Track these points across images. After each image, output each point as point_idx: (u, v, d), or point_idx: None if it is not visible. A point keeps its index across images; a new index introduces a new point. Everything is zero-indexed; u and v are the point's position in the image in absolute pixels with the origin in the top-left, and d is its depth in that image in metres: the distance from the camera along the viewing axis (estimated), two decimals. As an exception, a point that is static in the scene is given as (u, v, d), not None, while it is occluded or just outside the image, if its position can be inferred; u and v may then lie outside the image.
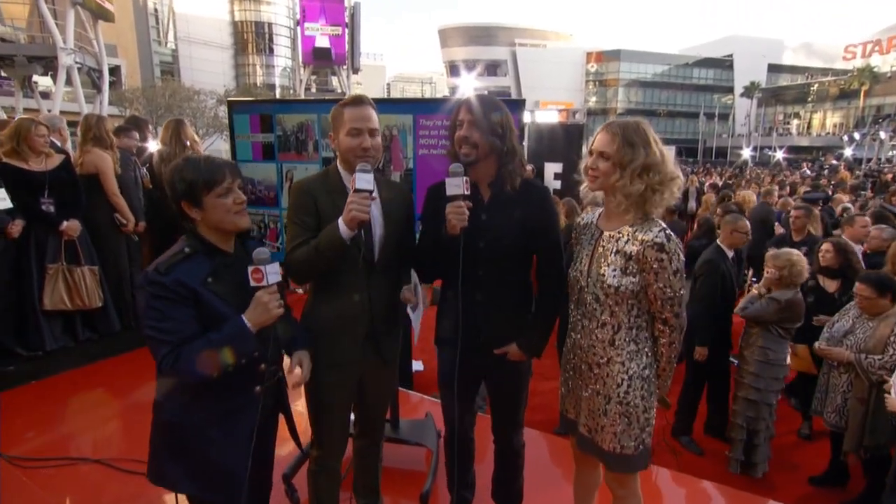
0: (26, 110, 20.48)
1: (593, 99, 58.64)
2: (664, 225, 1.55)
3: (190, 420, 1.43)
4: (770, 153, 41.37)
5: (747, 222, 3.64)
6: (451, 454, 2.10)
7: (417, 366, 4.31)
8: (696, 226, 5.24)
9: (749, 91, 52.18)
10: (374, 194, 1.60)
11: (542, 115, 9.00)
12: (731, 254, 3.49)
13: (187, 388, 1.40)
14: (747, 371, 3.18)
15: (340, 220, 1.57)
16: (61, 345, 3.60)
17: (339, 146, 1.70)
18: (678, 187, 1.56)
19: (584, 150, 1.85)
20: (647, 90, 58.46)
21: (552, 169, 10.15)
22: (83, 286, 3.59)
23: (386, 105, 2.22)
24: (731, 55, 57.36)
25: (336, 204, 1.66)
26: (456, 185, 1.64)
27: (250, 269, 1.37)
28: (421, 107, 2.17)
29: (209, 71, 41.50)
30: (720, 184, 13.30)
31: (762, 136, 49.62)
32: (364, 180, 1.56)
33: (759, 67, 55.60)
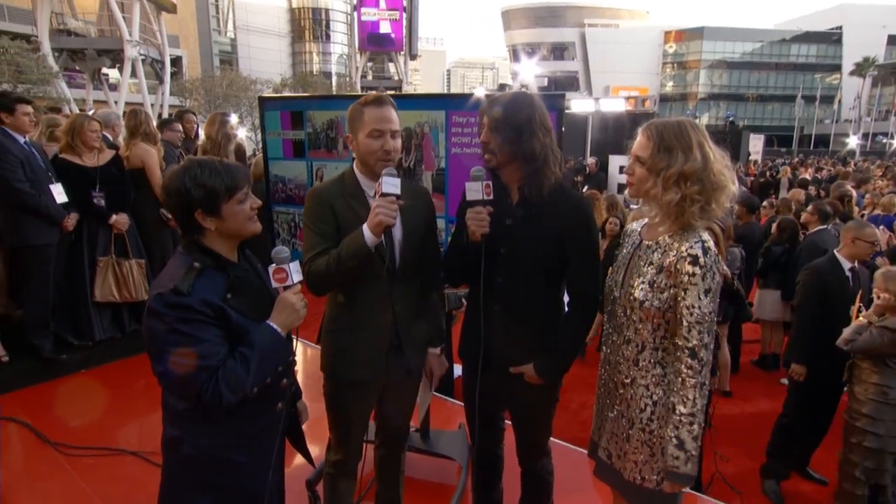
0: (96, 102, 22.41)
1: (670, 83, 55.95)
2: (706, 237, 1.46)
3: (216, 450, 1.39)
4: (886, 141, 37.77)
5: (875, 230, 3.22)
6: (475, 470, 2.10)
7: (460, 371, 4.31)
8: (775, 228, 4.86)
9: (862, 68, 47.50)
10: (401, 199, 1.61)
11: (608, 103, 8.69)
12: (848, 265, 3.12)
13: (210, 417, 1.35)
14: (860, 412, 2.75)
15: (365, 227, 1.58)
16: (109, 336, 3.91)
17: (359, 148, 1.69)
18: (727, 196, 1.46)
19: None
20: (733, 72, 54.94)
21: (617, 162, 9.86)
22: (131, 279, 3.88)
23: (417, 101, 2.23)
24: (839, 27, 52.60)
25: (354, 210, 1.68)
26: (475, 191, 1.63)
27: (272, 268, 1.36)
28: (453, 102, 2.16)
29: (267, 60, 43.51)
30: (809, 178, 12.36)
31: (876, 122, 45.25)
32: (391, 184, 1.58)
33: (875, 40, 50.24)
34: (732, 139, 24.65)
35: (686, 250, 1.42)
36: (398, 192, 1.59)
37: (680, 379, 1.44)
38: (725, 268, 2.49)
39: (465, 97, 2.13)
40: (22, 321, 3.66)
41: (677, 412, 1.44)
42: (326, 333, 1.84)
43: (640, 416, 1.53)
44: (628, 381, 1.57)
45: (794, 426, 3.27)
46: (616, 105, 8.96)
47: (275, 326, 1.36)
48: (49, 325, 3.67)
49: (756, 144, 27.62)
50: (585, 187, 9.20)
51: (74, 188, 3.63)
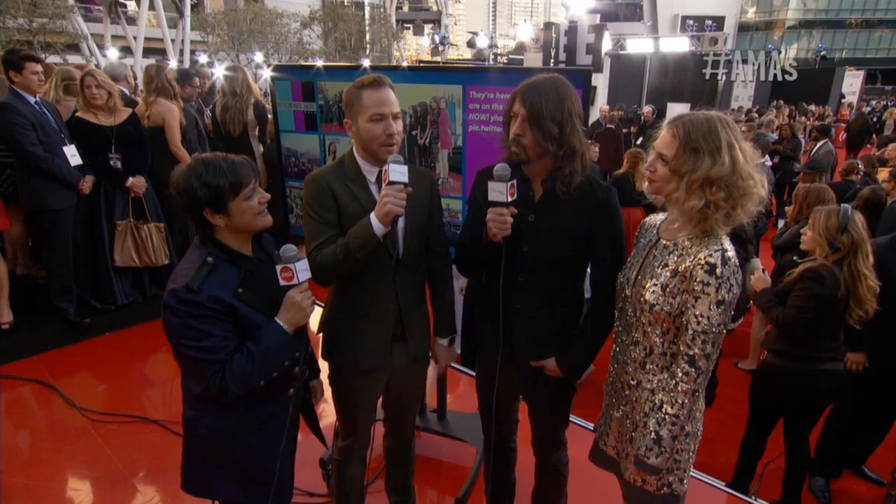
0: (114, 38, 22.80)
1: (752, 10, 51.72)
2: (727, 245, 1.48)
3: (229, 431, 1.59)
4: None
5: None
6: (487, 463, 2.25)
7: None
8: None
9: None
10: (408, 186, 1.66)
11: (670, 42, 8.28)
12: None
13: (222, 402, 1.54)
14: None
15: (373, 216, 1.65)
16: (131, 300, 4.23)
17: (360, 134, 1.74)
18: (755, 202, 1.47)
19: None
20: (834, -8, 50.25)
21: (677, 110, 9.45)
22: (150, 243, 4.12)
23: (432, 74, 2.25)
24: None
25: (356, 197, 1.76)
26: (499, 192, 1.62)
27: (279, 267, 1.48)
28: (471, 77, 2.16)
29: (294, -12, 42.70)
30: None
31: None
32: (398, 172, 1.63)
33: None
34: (822, 78, 22.94)
35: (704, 257, 1.45)
36: (406, 180, 1.63)
37: (674, 381, 1.52)
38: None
39: (483, 72, 2.13)
40: (46, 282, 3.99)
41: (663, 410, 1.54)
42: (329, 322, 1.95)
43: (643, 420, 1.62)
44: (634, 382, 1.65)
45: (846, 420, 3.22)
46: (679, 44, 8.52)
47: (281, 324, 1.51)
48: (72, 289, 3.97)
49: (853, 83, 25.36)
50: (639, 140, 8.93)
51: (90, 149, 3.81)
